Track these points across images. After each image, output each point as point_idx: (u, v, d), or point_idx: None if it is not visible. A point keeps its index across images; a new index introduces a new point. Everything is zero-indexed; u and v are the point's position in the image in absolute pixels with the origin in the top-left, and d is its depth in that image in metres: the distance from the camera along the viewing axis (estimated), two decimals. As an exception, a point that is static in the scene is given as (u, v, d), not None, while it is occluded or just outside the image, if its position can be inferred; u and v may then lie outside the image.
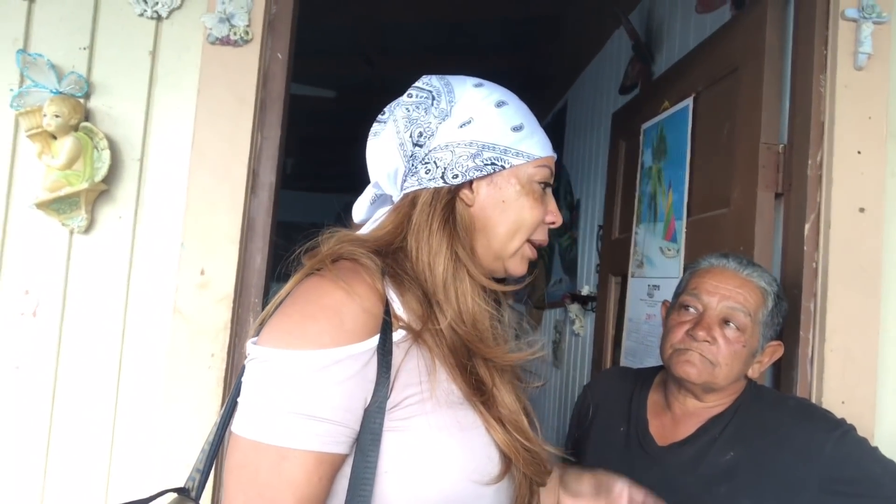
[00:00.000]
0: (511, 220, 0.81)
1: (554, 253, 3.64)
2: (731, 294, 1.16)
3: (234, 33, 1.34)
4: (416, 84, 0.83)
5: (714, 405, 1.18)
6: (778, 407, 1.17)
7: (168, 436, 1.28)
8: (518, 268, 0.84)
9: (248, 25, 1.35)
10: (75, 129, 1.28)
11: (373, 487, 0.67)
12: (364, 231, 0.83)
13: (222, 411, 0.80)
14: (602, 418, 1.32)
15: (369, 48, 3.89)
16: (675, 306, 1.24)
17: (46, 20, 1.34)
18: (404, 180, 0.80)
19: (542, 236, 0.85)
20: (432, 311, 0.74)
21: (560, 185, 3.62)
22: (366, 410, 0.68)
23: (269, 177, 1.40)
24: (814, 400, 1.34)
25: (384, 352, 0.69)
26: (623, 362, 2.11)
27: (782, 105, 1.53)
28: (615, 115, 2.59)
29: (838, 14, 1.37)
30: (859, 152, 1.36)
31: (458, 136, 0.79)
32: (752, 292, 1.16)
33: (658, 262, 1.96)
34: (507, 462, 0.74)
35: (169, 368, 1.30)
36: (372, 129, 0.84)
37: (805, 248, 1.38)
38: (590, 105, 3.27)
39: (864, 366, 1.33)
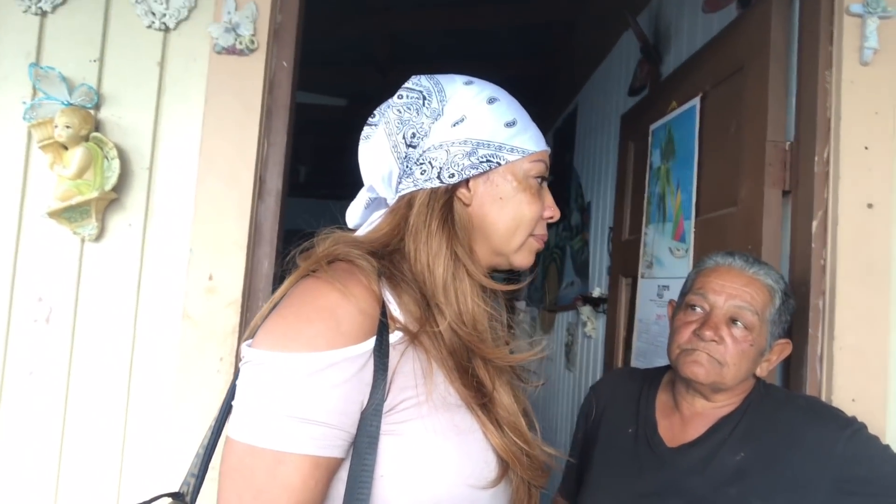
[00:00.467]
0: (510, 216, 0.80)
1: (566, 255, 3.63)
2: (738, 293, 1.14)
3: (240, 43, 1.36)
4: (406, 85, 0.82)
5: (723, 405, 1.17)
6: (788, 406, 1.15)
7: (178, 439, 1.30)
8: (525, 261, 0.83)
9: (253, 35, 1.37)
10: (86, 139, 1.30)
11: (370, 491, 0.66)
12: (360, 234, 0.82)
13: (217, 415, 0.79)
14: (610, 419, 1.31)
15: (381, 57, 3.92)
16: (681, 306, 1.22)
17: (58, 34, 1.37)
18: (399, 182, 0.79)
19: (541, 231, 0.84)
20: (430, 313, 0.73)
21: (571, 187, 3.62)
22: (362, 413, 0.67)
23: (275, 183, 1.42)
24: (824, 398, 1.32)
25: (381, 354, 0.68)
26: (633, 363, 2.09)
27: (788, 102, 1.51)
28: (624, 116, 2.58)
29: (843, 10, 1.36)
30: (866, 148, 1.34)
31: (451, 134, 0.78)
32: (758, 290, 1.15)
33: (667, 263, 1.95)
34: (504, 466, 0.73)
35: (178, 372, 1.32)
36: (363, 132, 0.83)
37: (813, 245, 1.37)
38: (600, 108, 3.26)
39: (874, 363, 1.31)
